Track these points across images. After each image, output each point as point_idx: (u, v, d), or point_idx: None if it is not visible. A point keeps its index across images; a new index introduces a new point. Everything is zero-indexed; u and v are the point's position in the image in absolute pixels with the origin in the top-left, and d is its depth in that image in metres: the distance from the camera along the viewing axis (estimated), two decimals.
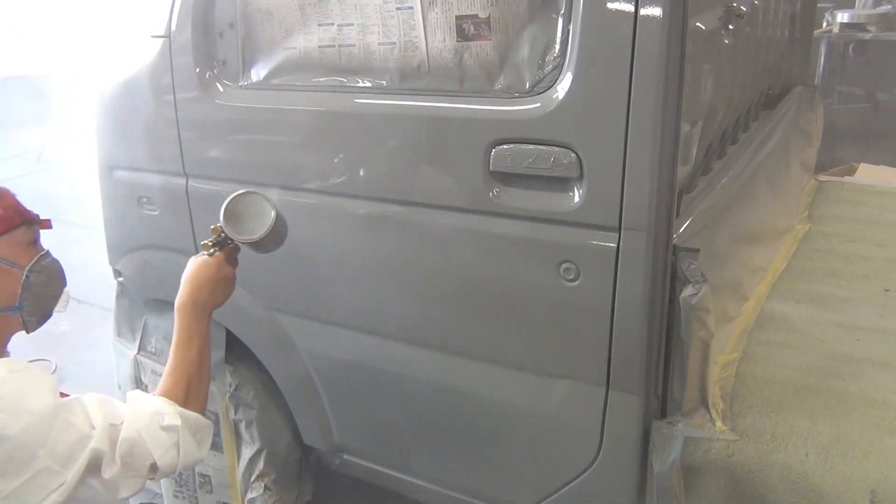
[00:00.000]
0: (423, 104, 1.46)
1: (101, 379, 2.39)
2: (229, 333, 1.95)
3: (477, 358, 1.59)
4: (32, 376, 1.13)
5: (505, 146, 1.37)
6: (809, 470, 1.31)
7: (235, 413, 2.02)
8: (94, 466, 1.11)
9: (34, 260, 1.28)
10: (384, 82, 1.51)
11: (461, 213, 1.46)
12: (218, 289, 1.38)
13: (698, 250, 1.38)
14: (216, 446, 2.08)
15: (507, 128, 1.36)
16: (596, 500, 1.55)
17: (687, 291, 1.34)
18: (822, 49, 5.44)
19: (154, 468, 1.18)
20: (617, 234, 1.32)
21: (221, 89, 1.71)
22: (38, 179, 6.22)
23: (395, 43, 1.47)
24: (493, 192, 1.41)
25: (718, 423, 1.42)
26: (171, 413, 1.22)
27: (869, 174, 3.26)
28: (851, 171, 3.31)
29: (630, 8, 1.21)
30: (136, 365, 2.15)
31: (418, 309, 1.62)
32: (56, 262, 1.35)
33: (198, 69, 1.72)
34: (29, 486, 1.05)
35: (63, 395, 1.20)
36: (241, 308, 1.89)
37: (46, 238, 1.36)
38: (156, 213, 1.91)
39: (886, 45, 5.46)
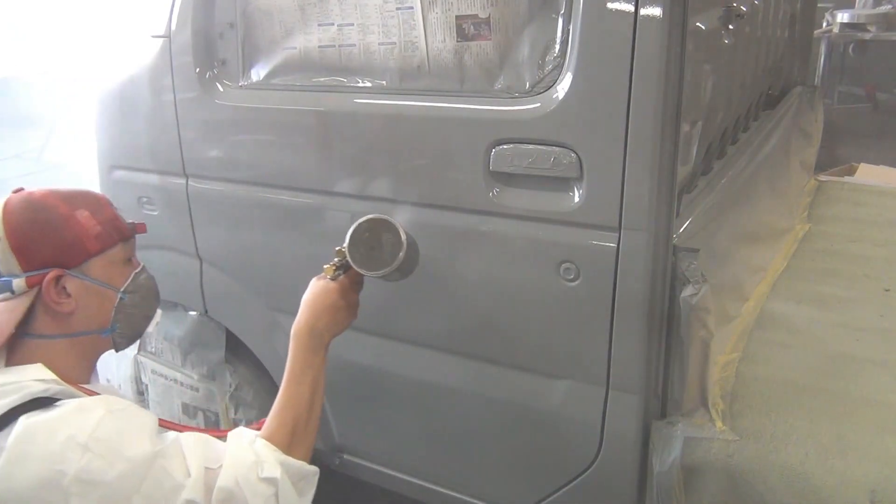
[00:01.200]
0: (423, 104, 1.46)
1: (101, 379, 2.39)
2: (229, 333, 1.95)
3: (477, 358, 1.59)
4: (131, 418, 1.07)
5: (505, 146, 1.37)
6: (809, 470, 1.31)
7: (235, 413, 2.02)
8: None
9: (129, 279, 1.23)
10: (384, 82, 1.51)
11: (461, 213, 1.46)
12: (338, 318, 1.28)
13: (698, 250, 1.38)
14: None
15: (507, 128, 1.36)
16: (596, 500, 1.55)
17: (687, 291, 1.34)
18: (822, 49, 5.44)
19: None
20: (617, 234, 1.32)
21: (221, 89, 1.71)
22: (38, 179, 6.21)
23: (395, 43, 1.47)
24: (493, 192, 1.41)
25: (718, 423, 1.42)
26: (272, 463, 1.12)
27: (869, 174, 3.26)
28: (851, 171, 3.31)
29: (630, 8, 1.21)
30: (136, 365, 2.15)
31: (418, 309, 1.62)
32: (151, 278, 1.30)
33: (198, 69, 1.72)
34: None
35: (164, 423, 1.14)
36: (241, 308, 1.89)
37: None
38: (156, 213, 1.91)
39: (886, 45, 5.47)
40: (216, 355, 1.97)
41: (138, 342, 2.12)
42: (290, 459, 1.14)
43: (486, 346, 1.56)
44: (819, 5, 3.97)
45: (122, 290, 1.22)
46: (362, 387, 1.79)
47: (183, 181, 1.82)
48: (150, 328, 1.31)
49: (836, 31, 5.44)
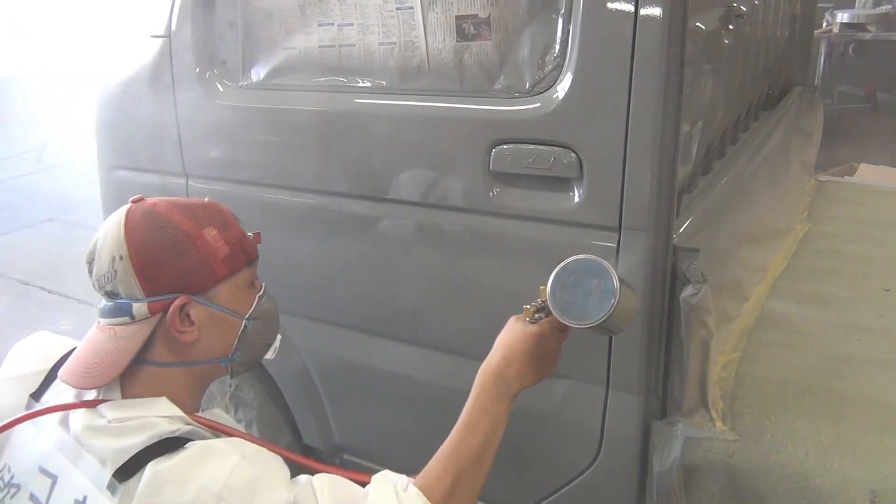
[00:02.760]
0: (423, 104, 1.46)
1: None
2: None
3: (477, 358, 1.58)
4: (265, 464, 0.97)
5: (505, 146, 1.37)
6: (809, 470, 1.31)
7: (235, 413, 2.02)
8: None
9: (254, 305, 1.12)
10: (384, 82, 1.51)
11: (461, 213, 1.46)
12: (532, 367, 1.12)
13: (698, 250, 1.38)
14: None
15: (507, 128, 1.36)
16: (596, 500, 1.55)
17: (687, 291, 1.34)
18: (822, 49, 5.44)
19: None
20: (617, 234, 1.32)
21: (221, 89, 1.71)
22: (38, 179, 6.22)
23: (395, 43, 1.47)
24: (493, 192, 1.41)
25: (718, 423, 1.42)
26: None
27: (869, 174, 3.26)
28: (851, 171, 3.32)
29: (630, 8, 1.21)
30: None
31: (418, 309, 1.62)
32: (273, 301, 1.17)
33: (198, 69, 1.72)
34: None
35: (297, 459, 1.05)
36: None
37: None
38: None
39: (886, 45, 5.47)
40: None
41: None
42: None
43: (487, 346, 1.55)
44: (819, 5, 3.97)
45: (247, 316, 1.11)
46: (362, 387, 1.79)
47: (183, 181, 1.82)
48: (269, 355, 1.19)
49: (836, 31, 5.44)
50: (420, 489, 1.01)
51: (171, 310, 1.02)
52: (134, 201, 1.08)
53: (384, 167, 1.54)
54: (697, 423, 1.42)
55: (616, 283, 1.05)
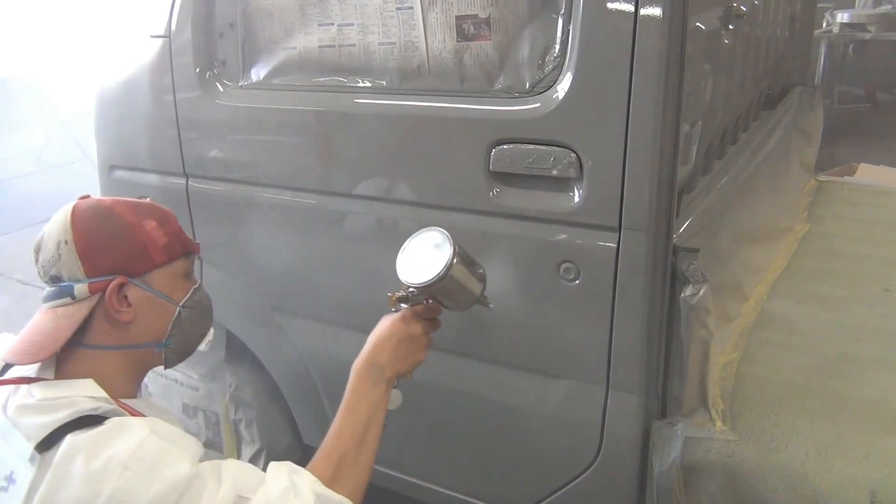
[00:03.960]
0: (423, 104, 1.46)
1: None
2: (229, 333, 1.95)
3: (477, 358, 1.59)
4: (175, 441, 1.04)
5: (505, 146, 1.37)
6: (809, 470, 1.31)
7: (235, 413, 2.02)
8: None
9: (189, 294, 1.22)
10: (384, 82, 1.51)
11: (461, 213, 1.46)
12: (400, 350, 1.21)
13: (698, 250, 1.38)
14: (216, 446, 2.08)
15: (507, 128, 1.36)
16: (596, 500, 1.55)
17: (687, 291, 1.34)
18: (822, 49, 5.44)
19: None
20: (617, 234, 1.32)
21: (221, 89, 1.71)
22: (38, 179, 6.22)
23: (395, 43, 1.47)
24: (493, 192, 1.41)
25: (718, 423, 1.42)
26: (306, 492, 1.05)
27: (869, 174, 3.26)
28: (851, 171, 3.31)
29: (630, 8, 1.21)
30: None
31: None
32: (207, 297, 1.28)
33: (198, 69, 1.72)
34: None
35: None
36: (241, 308, 1.89)
37: None
38: None
39: (886, 45, 5.47)
40: (216, 355, 1.97)
41: None
42: (329, 492, 1.08)
43: (486, 346, 1.56)
44: (819, 5, 3.97)
45: (181, 304, 1.20)
46: None
47: (183, 181, 1.82)
48: (202, 347, 1.28)
49: (836, 31, 5.44)
50: (309, 471, 1.10)
51: (109, 288, 1.11)
52: (81, 198, 1.18)
53: (384, 167, 1.54)
54: (697, 423, 1.42)
55: (451, 252, 1.14)
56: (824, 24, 5.50)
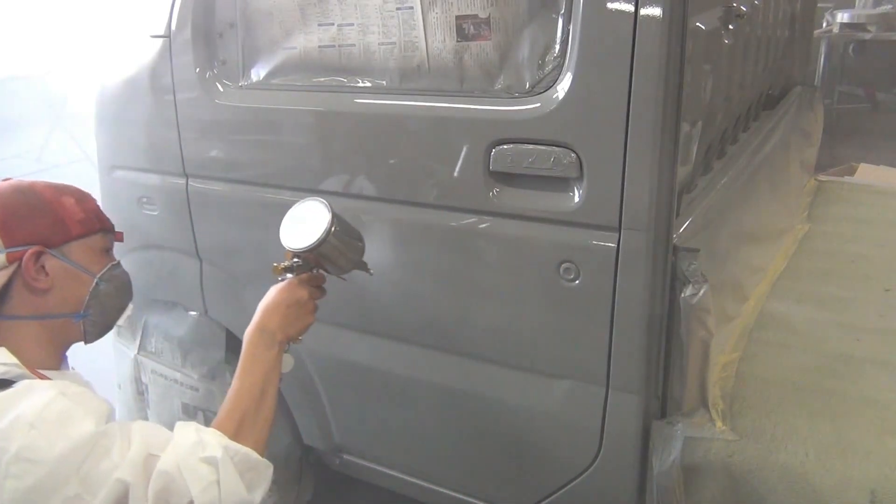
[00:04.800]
0: (423, 104, 1.46)
1: (101, 379, 2.39)
2: (229, 333, 1.95)
3: (477, 358, 1.59)
4: (82, 401, 1.06)
5: (505, 146, 1.37)
6: (809, 470, 1.31)
7: None
8: (120, 500, 1.00)
9: (106, 268, 1.26)
10: (384, 82, 1.51)
11: (461, 213, 1.46)
12: (289, 315, 1.25)
13: (698, 250, 1.38)
14: None
15: (507, 128, 1.36)
16: (596, 500, 1.55)
17: (687, 291, 1.34)
18: (822, 49, 5.44)
19: None
20: (617, 234, 1.32)
21: (221, 89, 1.71)
22: (38, 179, 6.21)
23: (395, 43, 1.47)
24: (493, 192, 1.41)
25: (718, 423, 1.42)
26: (214, 444, 1.08)
27: (869, 174, 3.26)
28: (851, 171, 3.32)
29: (630, 8, 1.21)
30: (136, 365, 2.15)
31: (418, 309, 1.62)
32: (126, 274, 1.32)
33: (198, 69, 1.72)
34: None
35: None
36: (241, 308, 1.89)
37: None
38: (156, 213, 1.91)
39: (886, 45, 5.46)
40: (216, 355, 1.97)
41: (138, 342, 2.12)
42: (235, 444, 1.11)
43: (486, 346, 1.56)
44: (819, 5, 3.97)
45: (98, 276, 1.24)
46: (362, 387, 1.79)
47: (183, 181, 1.82)
48: (121, 321, 1.32)
49: (836, 31, 5.44)
50: (214, 428, 1.14)
51: (26, 256, 1.16)
52: (3, 180, 1.23)
53: (384, 167, 1.54)
54: (697, 423, 1.42)
55: (329, 217, 1.23)
56: (824, 24, 5.50)
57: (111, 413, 1.10)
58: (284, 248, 1.26)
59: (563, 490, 1.58)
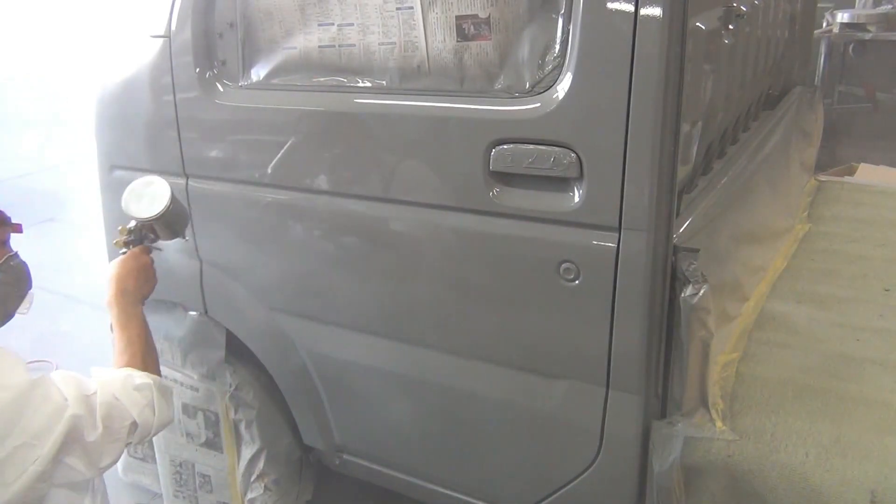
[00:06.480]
0: (423, 104, 1.46)
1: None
2: (229, 333, 1.95)
3: (477, 358, 1.59)
4: (4, 357, 1.13)
5: (505, 146, 1.37)
6: (809, 470, 1.32)
7: (235, 413, 2.02)
8: (75, 434, 1.11)
9: (2, 260, 1.30)
10: (384, 82, 1.51)
11: (461, 213, 1.46)
12: (142, 277, 1.45)
13: (698, 250, 1.38)
14: (216, 446, 2.08)
15: (507, 128, 1.36)
16: (596, 500, 1.55)
17: (687, 291, 1.34)
18: (822, 49, 5.44)
19: (133, 427, 1.23)
20: (617, 234, 1.32)
21: (221, 89, 1.71)
22: (38, 179, 6.22)
23: (395, 43, 1.47)
24: (493, 192, 1.41)
25: (718, 423, 1.42)
26: (142, 374, 1.29)
27: (869, 174, 3.26)
28: (851, 171, 3.31)
29: (630, 8, 1.21)
30: None
31: (418, 309, 1.62)
32: (24, 264, 1.36)
33: (198, 69, 1.72)
34: (5, 463, 1.05)
35: None
36: (241, 308, 1.89)
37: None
38: None
39: (886, 45, 5.46)
40: (216, 355, 1.97)
41: None
42: (153, 375, 1.32)
43: (486, 346, 1.56)
44: (819, 5, 3.97)
45: None
46: (363, 387, 1.79)
47: (183, 181, 1.82)
48: (23, 310, 1.37)
49: (836, 31, 5.44)
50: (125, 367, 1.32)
51: None
52: None
53: (384, 167, 1.54)
54: (697, 423, 1.42)
55: (168, 188, 1.47)
56: (824, 24, 5.49)
57: (26, 369, 1.16)
58: (130, 217, 1.48)
59: (563, 490, 1.58)
